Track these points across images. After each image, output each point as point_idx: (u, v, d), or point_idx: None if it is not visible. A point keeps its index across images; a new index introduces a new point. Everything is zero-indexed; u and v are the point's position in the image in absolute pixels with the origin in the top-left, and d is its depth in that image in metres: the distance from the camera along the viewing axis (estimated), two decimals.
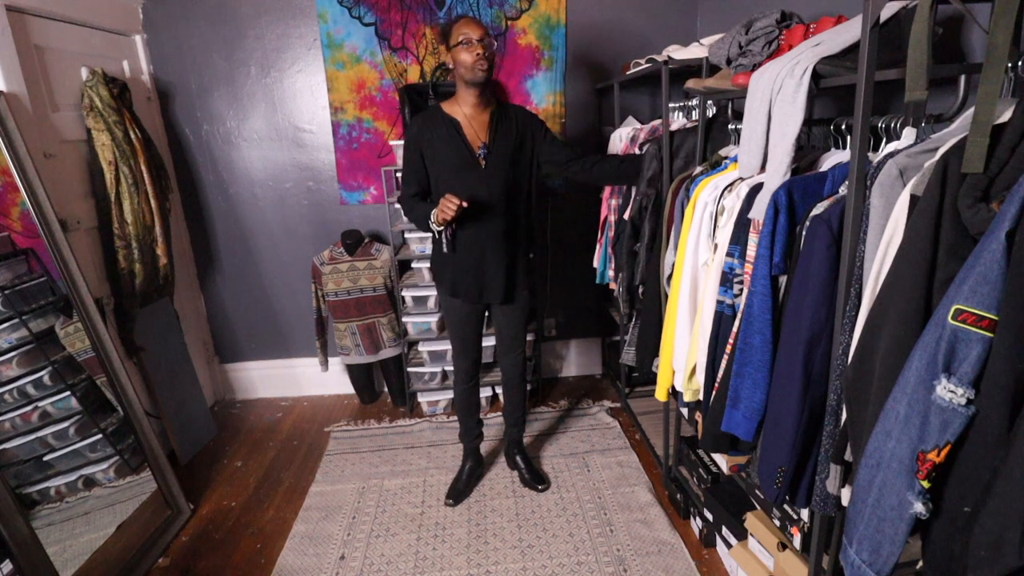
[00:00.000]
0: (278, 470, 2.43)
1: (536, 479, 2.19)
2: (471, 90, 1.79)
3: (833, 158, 1.26)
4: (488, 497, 2.17)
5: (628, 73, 2.29)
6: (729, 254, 1.32)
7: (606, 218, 2.41)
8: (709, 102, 1.82)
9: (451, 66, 1.78)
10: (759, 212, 1.21)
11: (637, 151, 2.16)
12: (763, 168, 1.28)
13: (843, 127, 1.28)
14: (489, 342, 2.40)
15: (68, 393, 1.85)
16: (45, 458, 1.78)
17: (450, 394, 2.83)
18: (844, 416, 1.03)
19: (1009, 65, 0.87)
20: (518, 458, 2.25)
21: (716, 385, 1.37)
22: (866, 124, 1.00)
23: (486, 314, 2.10)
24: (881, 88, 1.06)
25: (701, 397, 1.51)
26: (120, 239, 2.17)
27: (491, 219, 1.84)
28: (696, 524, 1.94)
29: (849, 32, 1.15)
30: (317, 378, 3.01)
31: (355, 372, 2.88)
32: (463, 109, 1.82)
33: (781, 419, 1.16)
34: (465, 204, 1.67)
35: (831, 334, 1.10)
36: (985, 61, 0.76)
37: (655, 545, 1.89)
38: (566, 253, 2.96)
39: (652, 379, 1.90)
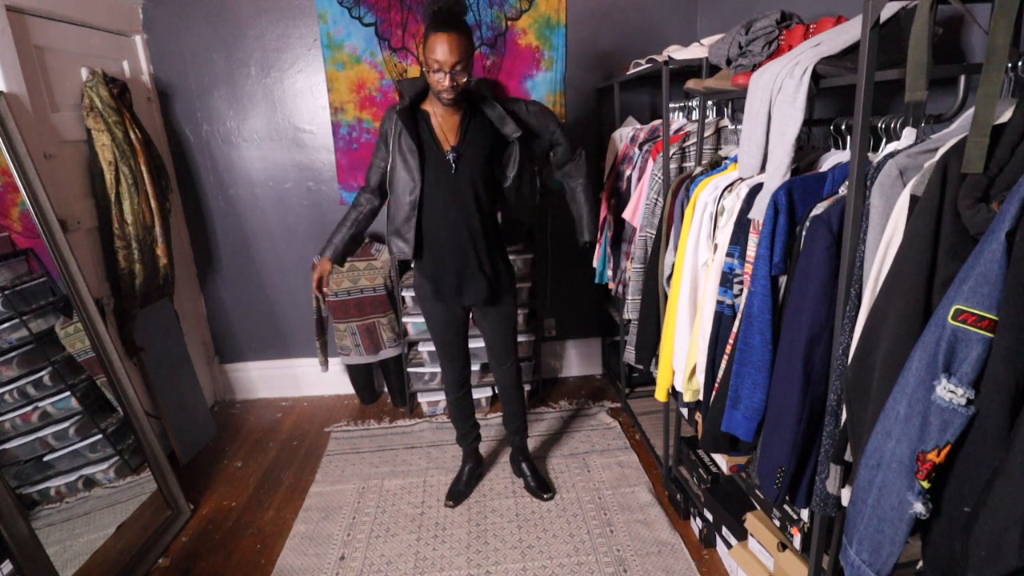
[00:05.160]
0: (278, 470, 2.43)
1: (542, 487, 2.15)
2: (439, 104, 1.72)
3: (833, 158, 1.26)
4: (488, 498, 2.17)
5: (628, 73, 2.29)
6: (729, 254, 1.32)
7: (606, 218, 2.41)
8: (709, 103, 1.82)
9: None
10: (759, 212, 1.21)
11: (637, 150, 2.16)
12: (763, 168, 1.28)
13: (843, 127, 1.28)
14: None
15: (68, 393, 1.85)
16: (45, 458, 1.79)
17: None
18: (844, 416, 1.03)
19: (1009, 65, 0.87)
20: (524, 465, 2.21)
21: (716, 385, 1.37)
22: (866, 124, 1.00)
23: (469, 319, 2.03)
24: (881, 88, 1.06)
25: (701, 397, 1.51)
26: (120, 239, 2.17)
27: (462, 224, 1.79)
28: (696, 524, 1.94)
29: (849, 32, 1.16)
30: (317, 378, 3.01)
31: (355, 372, 2.88)
32: (434, 107, 1.76)
33: (781, 419, 1.16)
34: (321, 294, 1.89)
35: (831, 334, 1.10)
36: (985, 61, 0.76)
37: (655, 545, 1.89)
38: (566, 253, 2.96)
39: (652, 379, 1.90)
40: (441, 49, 1.54)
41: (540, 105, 1.87)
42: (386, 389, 2.99)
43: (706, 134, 1.86)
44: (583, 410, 2.79)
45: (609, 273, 2.39)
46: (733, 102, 1.92)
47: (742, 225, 1.30)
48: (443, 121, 1.75)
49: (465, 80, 1.62)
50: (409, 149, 1.73)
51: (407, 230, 1.80)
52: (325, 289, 1.89)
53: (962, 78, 1.03)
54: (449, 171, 1.75)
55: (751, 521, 1.58)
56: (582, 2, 2.65)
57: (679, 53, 1.92)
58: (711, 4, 2.61)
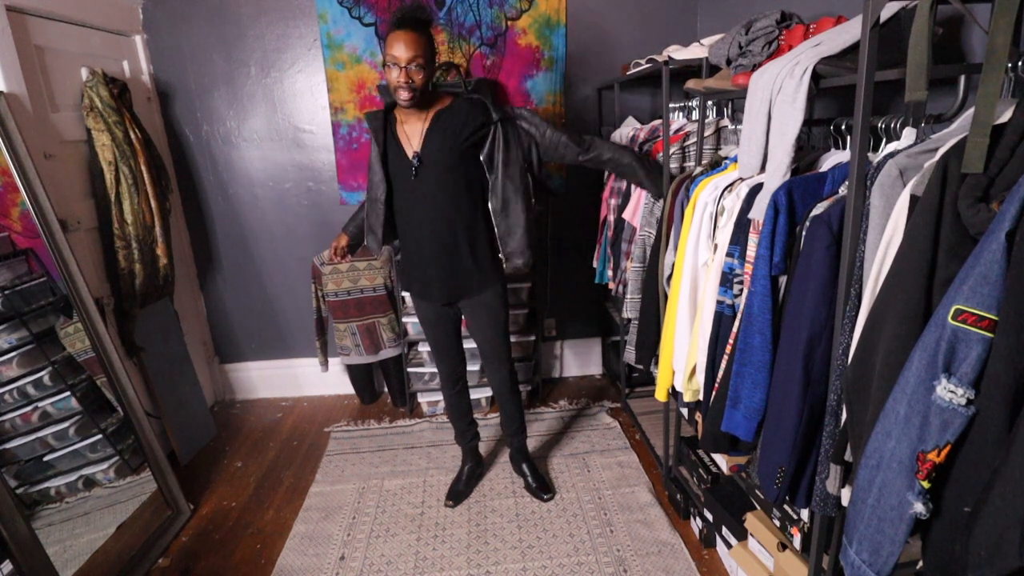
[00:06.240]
0: (278, 470, 2.43)
1: (542, 487, 2.15)
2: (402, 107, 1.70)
3: (833, 158, 1.26)
4: (488, 497, 2.17)
5: (628, 73, 2.29)
6: (729, 254, 1.32)
7: (606, 218, 2.41)
8: (709, 102, 1.82)
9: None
10: (759, 212, 1.21)
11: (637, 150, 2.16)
12: (763, 168, 1.28)
13: (843, 127, 1.28)
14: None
15: (68, 393, 1.85)
16: (45, 458, 1.78)
17: None
18: (844, 416, 1.03)
19: (1009, 65, 0.87)
20: (524, 466, 2.21)
21: (716, 385, 1.37)
22: (866, 124, 1.00)
23: (462, 318, 2.03)
24: (881, 88, 1.06)
25: (701, 397, 1.51)
26: (120, 239, 2.17)
27: (430, 225, 1.79)
28: (696, 524, 1.94)
29: (849, 32, 1.16)
30: (317, 378, 3.01)
31: (355, 372, 2.88)
32: (400, 115, 1.77)
33: (781, 419, 1.16)
34: (336, 259, 2.01)
35: (831, 334, 1.10)
36: (985, 62, 0.76)
37: (655, 545, 1.89)
38: (566, 253, 2.96)
39: (652, 379, 1.89)
40: (398, 45, 1.56)
41: (527, 110, 1.86)
42: (386, 389, 2.99)
43: (706, 134, 1.86)
44: (583, 410, 2.79)
45: (609, 273, 2.39)
46: (733, 102, 1.92)
47: (742, 225, 1.30)
48: (407, 127, 1.76)
49: (422, 80, 1.62)
50: (377, 152, 1.79)
51: (377, 226, 1.87)
52: (336, 258, 2.03)
53: (962, 78, 1.03)
54: (410, 176, 1.76)
55: (751, 521, 1.58)
56: (582, 2, 2.65)
57: (679, 53, 1.92)
58: (711, 4, 2.61)
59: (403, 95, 1.63)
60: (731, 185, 1.42)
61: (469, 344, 2.26)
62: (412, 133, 1.75)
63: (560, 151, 1.85)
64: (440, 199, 1.76)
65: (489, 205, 1.81)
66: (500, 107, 1.80)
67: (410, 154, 1.75)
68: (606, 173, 2.49)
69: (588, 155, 1.86)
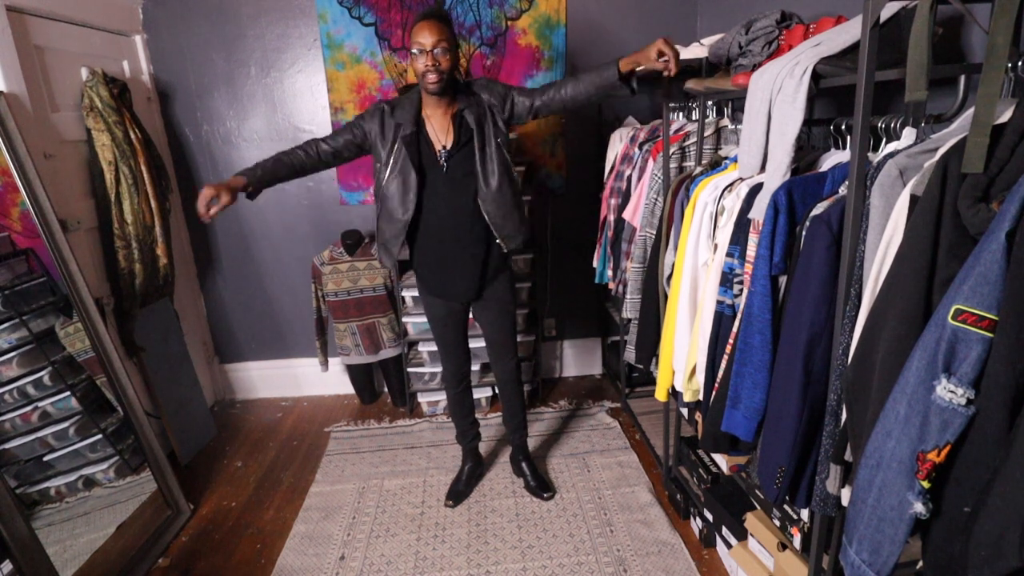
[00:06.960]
0: (278, 470, 2.43)
1: (542, 487, 2.16)
2: (430, 97, 1.73)
3: (833, 158, 1.26)
4: (488, 497, 2.17)
5: None
6: (729, 254, 1.32)
7: (606, 218, 2.41)
8: (709, 103, 1.82)
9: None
10: (759, 212, 1.21)
11: (637, 150, 2.16)
12: (763, 168, 1.28)
13: (843, 127, 1.28)
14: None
15: (68, 393, 1.85)
16: (45, 458, 1.78)
17: None
18: (844, 416, 1.03)
19: (1009, 65, 0.87)
20: (524, 465, 2.21)
21: (716, 385, 1.37)
22: (866, 124, 1.00)
23: (469, 316, 2.04)
24: (881, 88, 1.06)
25: (701, 397, 1.51)
26: (120, 239, 2.17)
27: (457, 220, 1.80)
28: (696, 524, 1.94)
29: (849, 32, 1.16)
30: (317, 378, 3.01)
31: (355, 372, 2.88)
32: (425, 111, 1.78)
33: (781, 419, 1.16)
34: (205, 212, 1.53)
35: (831, 334, 1.10)
36: (985, 62, 0.76)
37: (655, 545, 1.89)
38: (566, 253, 2.96)
39: (652, 379, 1.89)
40: (423, 32, 1.62)
41: (484, 79, 1.86)
42: (386, 389, 2.99)
43: (706, 134, 1.86)
44: (583, 410, 2.79)
45: (609, 273, 2.39)
46: (733, 102, 1.91)
47: (742, 225, 1.30)
48: (434, 122, 1.77)
49: (448, 64, 1.65)
50: (410, 169, 1.73)
51: (394, 244, 1.83)
52: (213, 210, 1.53)
53: (962, 78, 1.03)
54: (441, 172, 1.77)
55: (751, 521, 1.58)
56: (582, 2, 2.65)
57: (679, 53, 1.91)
58: (711, 4, 2.61)
59: (431, 78, 1.65)
60: (731, 185, 1.42)
61: (472, 344, 2.26)
62: (440, 128, 1.77)
63: (518, 109, 1.80)
64: (466, 193, 1.78)
65: (479, 192, 1.78)
66: (465, 90, 1.78)
67: (438, 148, 1.76)
68: (606, 173, 2.48)
69: (544, 95, 1.79)
